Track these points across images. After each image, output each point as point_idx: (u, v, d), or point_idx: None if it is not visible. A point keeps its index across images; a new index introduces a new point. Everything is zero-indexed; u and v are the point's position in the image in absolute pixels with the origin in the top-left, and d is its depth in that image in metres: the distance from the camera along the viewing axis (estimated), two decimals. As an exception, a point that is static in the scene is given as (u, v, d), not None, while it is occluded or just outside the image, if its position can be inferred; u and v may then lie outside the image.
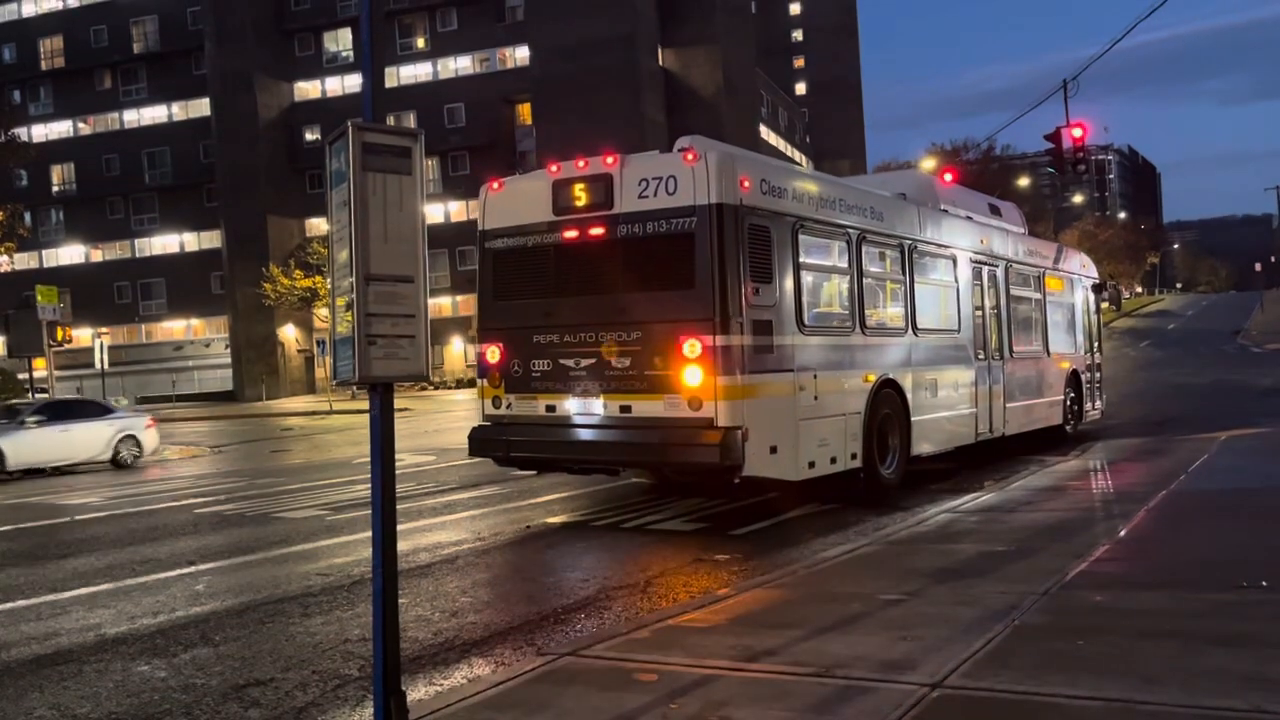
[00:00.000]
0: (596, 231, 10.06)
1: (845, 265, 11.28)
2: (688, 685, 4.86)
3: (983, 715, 4.32)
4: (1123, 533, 8.19)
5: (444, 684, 5.52)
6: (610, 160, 10.03)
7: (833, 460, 10.55)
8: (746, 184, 9.70)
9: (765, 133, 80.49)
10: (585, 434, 10.16)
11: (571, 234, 10.22)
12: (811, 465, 10.26)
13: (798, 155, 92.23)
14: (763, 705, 4.54)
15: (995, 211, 16.17)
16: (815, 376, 10.38)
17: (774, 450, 9.74)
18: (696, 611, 6.40)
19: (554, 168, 10.45)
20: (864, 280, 11.49)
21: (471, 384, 61.87)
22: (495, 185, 11.01)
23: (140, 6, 71.70)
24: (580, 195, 10.15)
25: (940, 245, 13.26)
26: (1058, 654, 4.99)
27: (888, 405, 11.50)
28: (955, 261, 13.57)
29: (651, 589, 7.58)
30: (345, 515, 11.99)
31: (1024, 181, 72.47)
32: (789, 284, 10.22)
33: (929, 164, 58.51)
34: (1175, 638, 5.22)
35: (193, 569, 9.19)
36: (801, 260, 10.45)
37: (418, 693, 5.31)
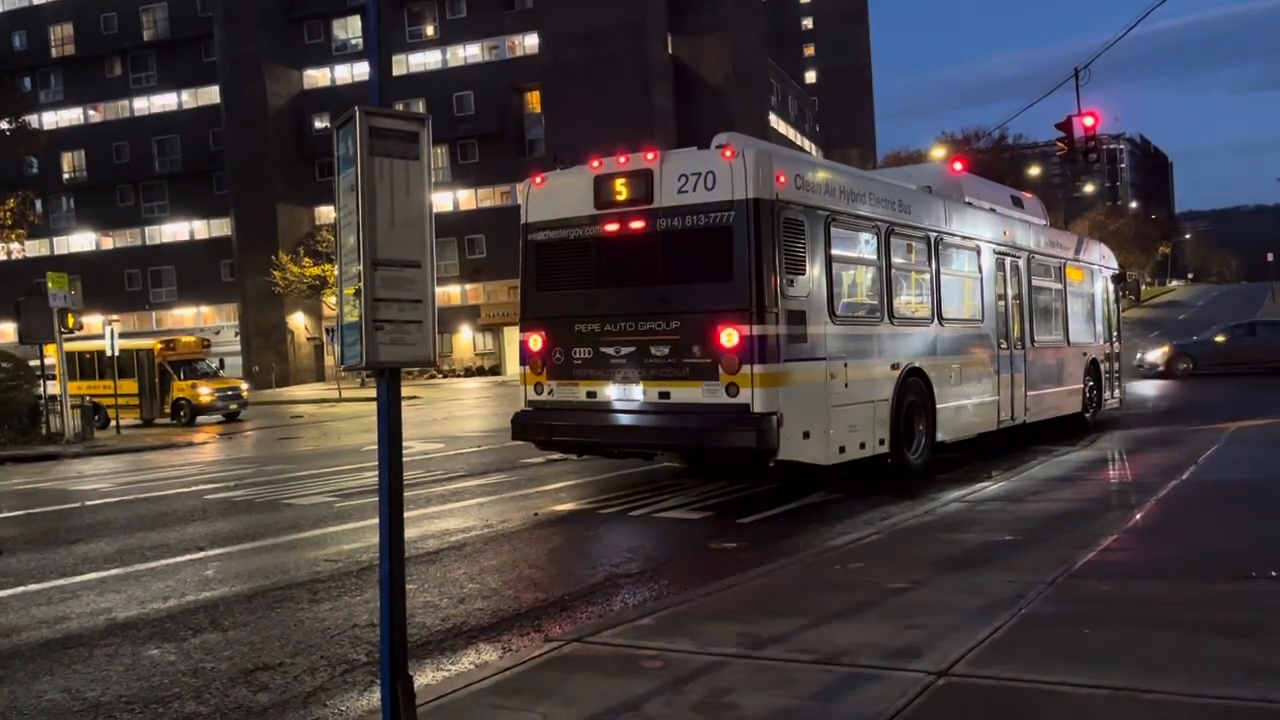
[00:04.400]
0: (637, 225, 10.47)
1: (874, 257, 11.68)
2: (694, 672, 4.87)
3: (988, 703, 4.32)
4: (1131, 523, 8.17)
5: (451, 669, 5.55)
6: (650, 156, 10.45)
7: (862, 445, 10.93)
8: (782, 179, 10.07)
9: (775, 121, 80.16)
10: (625, 419, 10.58)
11: (612, 227, 10.65)
12: (842, 450, 10.65)
13: (807, 144, 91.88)
14: (768, 692, 4.55)
15: (1017, 204, 16.47)
16: (845, 365, 10.76)
17: (807, 435, 10.14)
18: (703, 599, 6.41)
19: (595, 163, 10.88)
20: (892, 271, 11.89)
21: (480, 372, 62.05)
22: (538, 180, 11.39)
23: (150, -7, 71.72)
24: (621, 190, 10.54)
25: (964, 237, 13.58)
26: (1064, 643, 4.99)
27: (914, 393, 11.87)
28: (979, 253, 13.89)
29: (658, 576, 7.59)
30: (354, 502, 12.03)
31: (1035, 171, 72.13)
32: (821, 275, 10.61)
33: (939, 153, 58.30)
34: (1182, 627, 5.22)
35: (202, 554, 9.23)
36: (833, 252, 10.82)
37: (425, 678, 5.33)
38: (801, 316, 10.21)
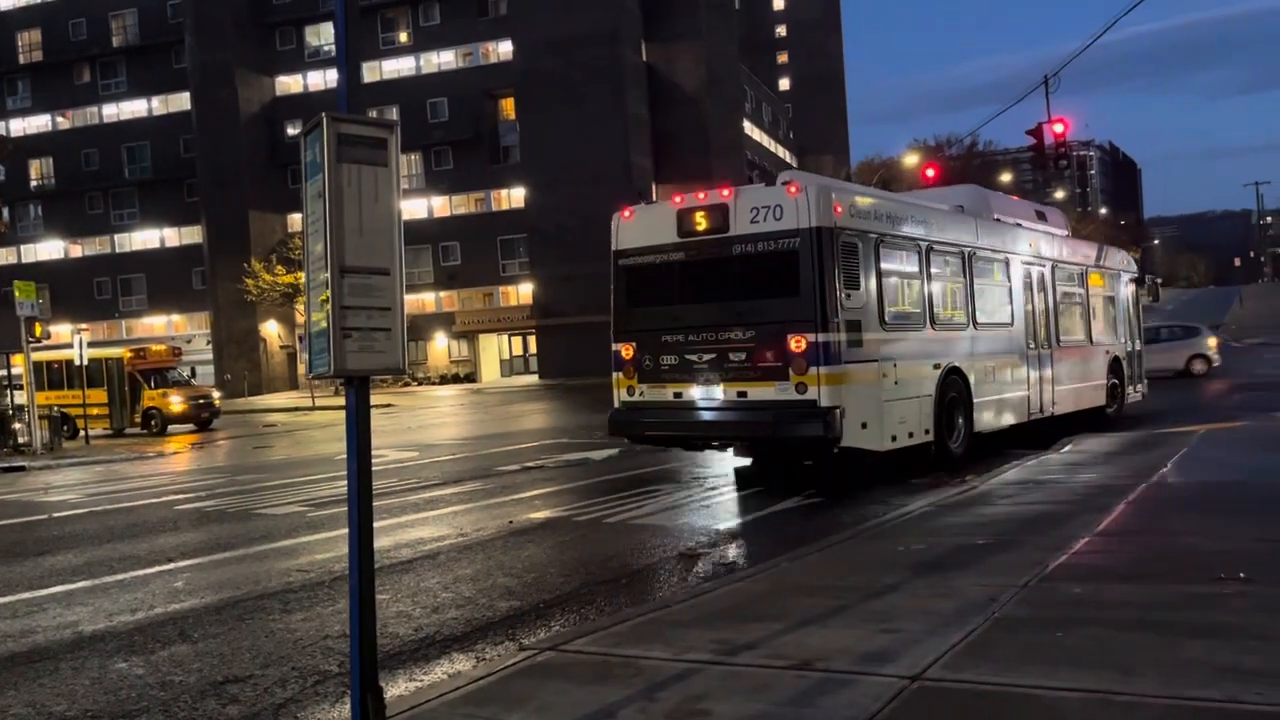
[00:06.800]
0: (715, 250, 12.04)
1: (917, 271, 13.17)
2: (668, 679, 4.85)
3: (962, 707, 4.33)
4: (1102, 525, 8.23)
5: (424, 680, 5.50)
6: (726, 192, 12.14)
7: (910, 435, 12.35)
8: (839, 209, 11.60)
9: (749, 128, 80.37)
10: (708, 415, 12.08)
11: (694, 252, 12.26)
12: (894, 439, 12.07)
13: (781, 151, 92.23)
14: (742, 698, 4.54)
15: (1041, 217, 18.07)
16: (895, 365, 12.22)
17: (865, 426, 11.57)
18: (678, 605, 6.39)
19: (678, 199, 12.62)
20: (932, 283, 13.35)
21: (455, 379, 61.90)
22: (626, 213, 13.05)
23: None
24: (701, 221, 12.17)
25: (995, 250, 15.06)
26: (1037, 646, 5.01)
27: (954, 389, 13.31)
28: (1008, 264, 15.35)
29: (633, 583, 7.57)
30: (327, 511, 11.94)
31: (1006, 177, 72.71)
32: (873, 289, 12.08)
33: (912, 160, 58.69)
34: (1153, 629, 5.25)
35: (172, 566, 9.13)
36: (882, 269, 12.30)
37: (397, 689, 5.29)
38: (858, 325, 11.64)
